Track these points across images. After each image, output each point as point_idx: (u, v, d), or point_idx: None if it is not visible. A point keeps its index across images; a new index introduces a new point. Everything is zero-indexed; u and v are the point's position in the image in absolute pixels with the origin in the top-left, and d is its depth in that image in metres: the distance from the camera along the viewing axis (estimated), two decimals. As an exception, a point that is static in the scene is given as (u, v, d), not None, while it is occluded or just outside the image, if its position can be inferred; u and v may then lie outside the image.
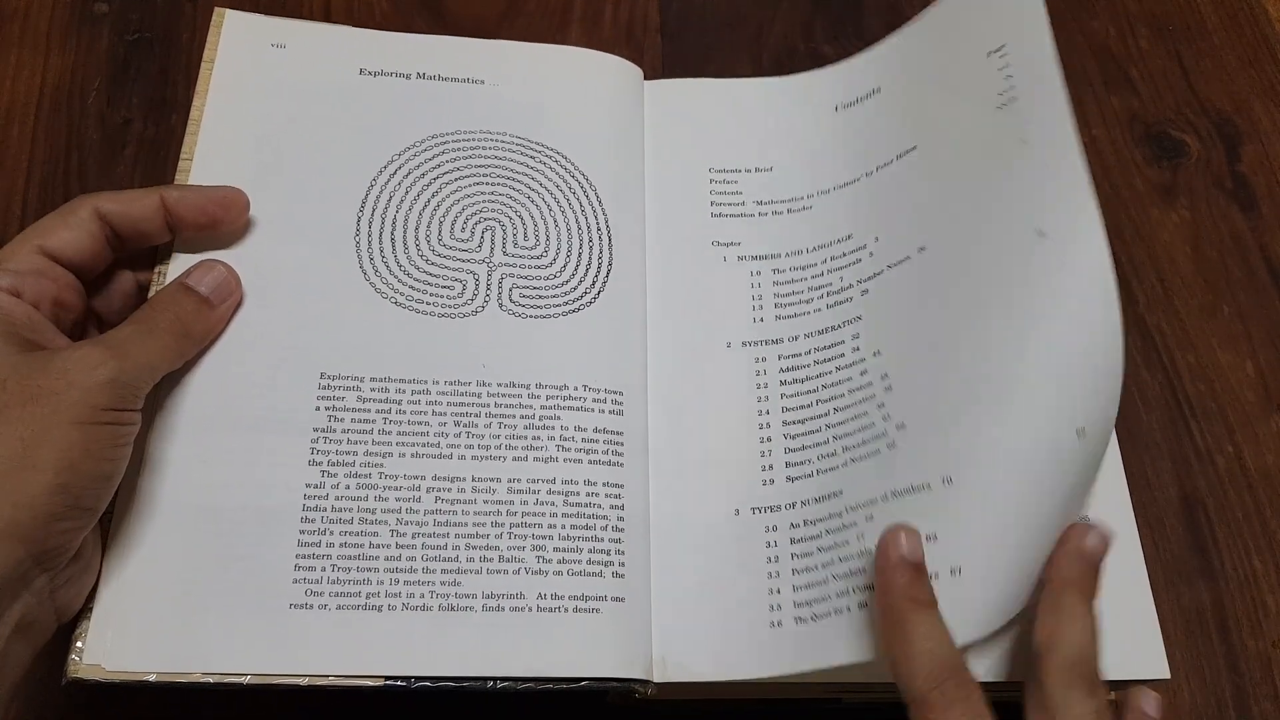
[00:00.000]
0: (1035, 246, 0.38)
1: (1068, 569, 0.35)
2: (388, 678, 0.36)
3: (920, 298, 0.42)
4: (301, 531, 0.38)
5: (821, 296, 0.45)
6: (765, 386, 0.44)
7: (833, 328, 0.44)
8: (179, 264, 0.41)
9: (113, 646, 0.35)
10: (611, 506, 0.40)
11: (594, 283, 0.44)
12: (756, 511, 0.41)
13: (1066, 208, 0.38)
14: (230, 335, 0.40)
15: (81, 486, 0.33)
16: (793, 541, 0.40)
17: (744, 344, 0.45)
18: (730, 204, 0.48)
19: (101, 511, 0.34)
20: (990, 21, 0.45)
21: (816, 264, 0.46)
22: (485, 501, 0.39)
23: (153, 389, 0.37)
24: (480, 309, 0.43)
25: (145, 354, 0.36)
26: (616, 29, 0.59)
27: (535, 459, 0.40)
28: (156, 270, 0.41)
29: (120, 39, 0.57)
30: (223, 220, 0.41)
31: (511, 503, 0.39)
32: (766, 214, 0.48)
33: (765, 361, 0.44)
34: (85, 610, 0.35)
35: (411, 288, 0.43)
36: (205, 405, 0.39)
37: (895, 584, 0.35)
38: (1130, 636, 0.38)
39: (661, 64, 0.57)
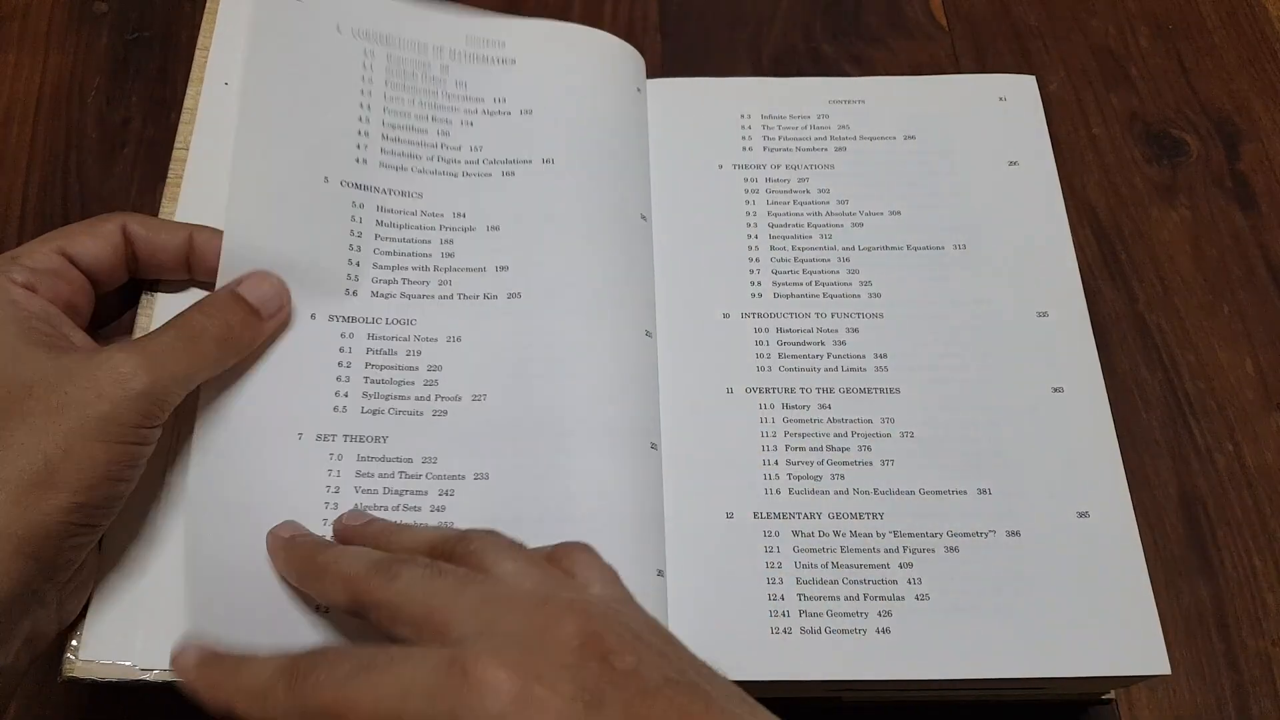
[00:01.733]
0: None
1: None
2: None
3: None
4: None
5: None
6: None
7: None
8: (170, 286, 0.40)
9: (110, 644, 0.35)
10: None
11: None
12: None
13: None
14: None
15: (95, 506, 0.32)
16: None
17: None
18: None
19: (107, 526, 0.34)
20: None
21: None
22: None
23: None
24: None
25: (183, 364, 0.34)
26: (616, 27, 0.58)
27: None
28: (144, 295, 0.40)
29: (119, 38, 0.57)
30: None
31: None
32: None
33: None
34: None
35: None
36: (208, 405, 0.39)
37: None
38: (1130, 634, 0.38)
39: (661, 63, 0.57)
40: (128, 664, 0.35)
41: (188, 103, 0.43)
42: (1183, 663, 0.43)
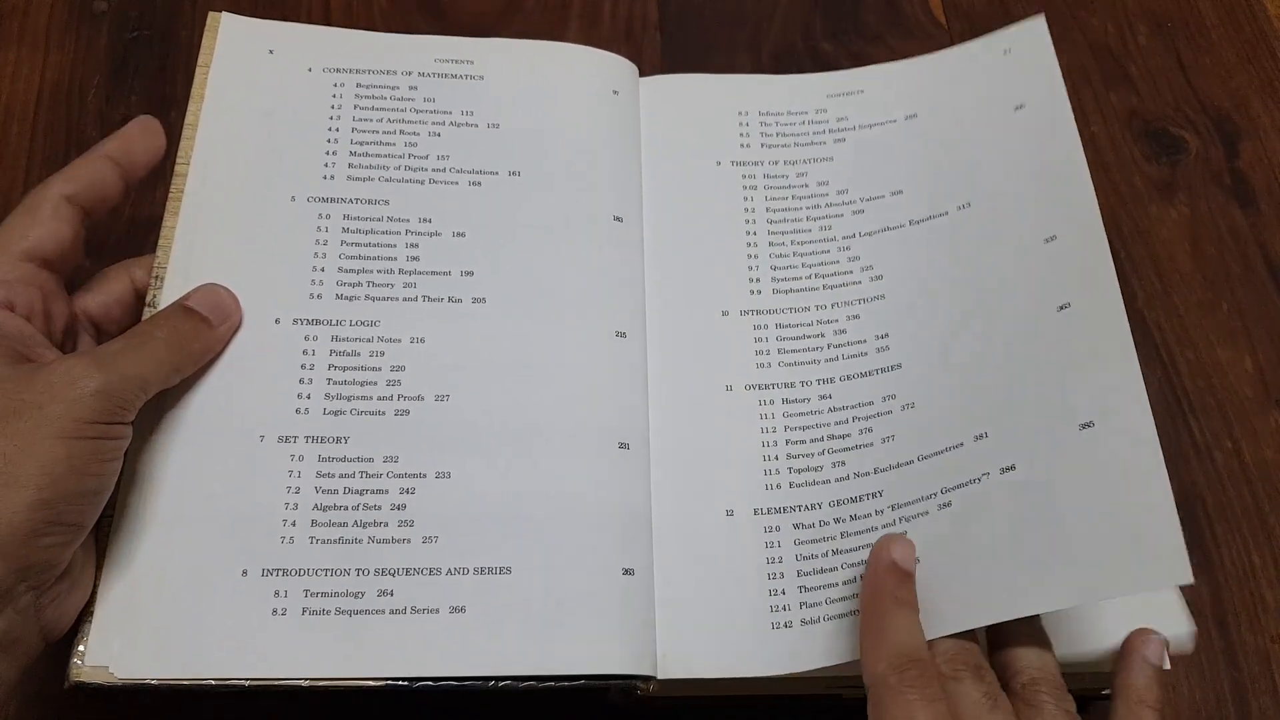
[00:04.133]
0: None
1: (1134, 678, 0.36)
2: (389, 679, 0.36)
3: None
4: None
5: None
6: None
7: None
8: (173, 288, 0.40)
9: (116, 650, 0.35)
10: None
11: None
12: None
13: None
14: (231, 343, 0.40)
15: (64, 502, 0.32)
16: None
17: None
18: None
19: (89, 527, 0.34)
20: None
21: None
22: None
23: (155, 397, 0.37)
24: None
25: (135, 366, 0.35)
26: (615, 26, 0.59)
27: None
28: (151, 294, 0.40)
29: (119, 36, 0.57)
30: (159, 139, 0.41)
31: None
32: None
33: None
34: (86, 613, 0.35)
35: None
36: (206, 411, 0.39)
37: (884, 584, 0.35)
38: (1147, 543, 0.34)
39: (661, 62, 0.57)
40: (135, 670, 0.35)
41: (189, 119, 0.44)
42: (1181, 660, 0.43)
